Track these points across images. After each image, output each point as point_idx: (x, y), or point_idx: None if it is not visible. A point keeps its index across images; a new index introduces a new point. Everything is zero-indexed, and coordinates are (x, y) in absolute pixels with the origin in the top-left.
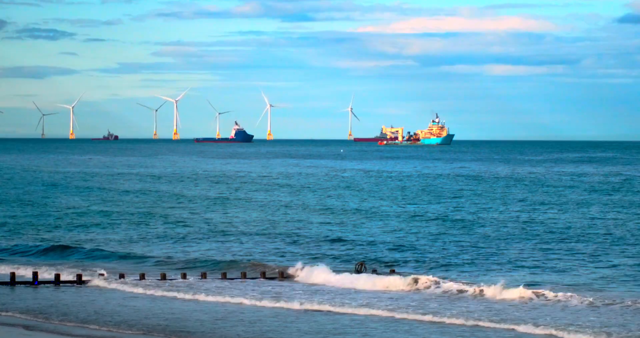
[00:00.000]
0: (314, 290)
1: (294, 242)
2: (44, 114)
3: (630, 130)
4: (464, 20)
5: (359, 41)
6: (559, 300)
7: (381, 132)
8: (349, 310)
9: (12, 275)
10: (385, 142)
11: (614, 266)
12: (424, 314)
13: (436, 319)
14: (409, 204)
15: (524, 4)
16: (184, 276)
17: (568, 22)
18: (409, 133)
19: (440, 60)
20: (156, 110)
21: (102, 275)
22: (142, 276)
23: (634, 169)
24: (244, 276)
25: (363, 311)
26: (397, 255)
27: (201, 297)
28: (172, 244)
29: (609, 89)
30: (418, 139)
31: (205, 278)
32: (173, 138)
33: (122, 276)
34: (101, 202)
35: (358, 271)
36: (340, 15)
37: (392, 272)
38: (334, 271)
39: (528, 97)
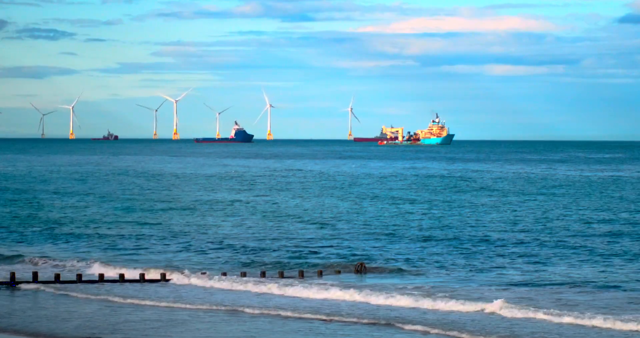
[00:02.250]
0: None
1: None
2: (44, 114)
3: (631, 130)
4: (464, 20)
5: (359, 41)
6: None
7: (381, 132)
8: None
9: None
10: (385, 142)
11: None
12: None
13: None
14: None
15: (524, 4)
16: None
17: (568, 22)
18: (409, 132)
19: (441, 60)
20: (156, 110)
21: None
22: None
23: (628, 170)
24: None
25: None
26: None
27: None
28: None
29: (609, 89)
30: (418, 139)
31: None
32: (173, 138)
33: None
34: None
35: (358, 272)
36: (340, 15)
37: (392, 272)
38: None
39: (528, 97)
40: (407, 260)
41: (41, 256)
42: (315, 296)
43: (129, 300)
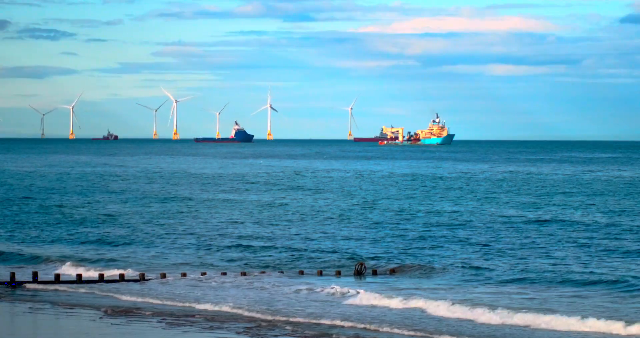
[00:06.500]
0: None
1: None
2: (44, 114)
3: (631, 130)
4: (465, 21)
5: (360, 41)
6: None
7: (381, 132)
8: None
9: None
10: (385, 142)
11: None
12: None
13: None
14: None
15: (525, 4)
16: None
17: (569, 22)
18: (409, 132)
19: (442, 60)
20: (156, 110)
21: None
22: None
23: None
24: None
25: None
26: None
27: None
28: None
29: (610, 89)
30: (418, 139)
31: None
32: (173, 138)
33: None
34: None
35: (358, 272)
36: (341, 15)
37: (392, 272)
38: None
39: (529, 97)
40: (403, 260)
41: None
42: None
43: None
